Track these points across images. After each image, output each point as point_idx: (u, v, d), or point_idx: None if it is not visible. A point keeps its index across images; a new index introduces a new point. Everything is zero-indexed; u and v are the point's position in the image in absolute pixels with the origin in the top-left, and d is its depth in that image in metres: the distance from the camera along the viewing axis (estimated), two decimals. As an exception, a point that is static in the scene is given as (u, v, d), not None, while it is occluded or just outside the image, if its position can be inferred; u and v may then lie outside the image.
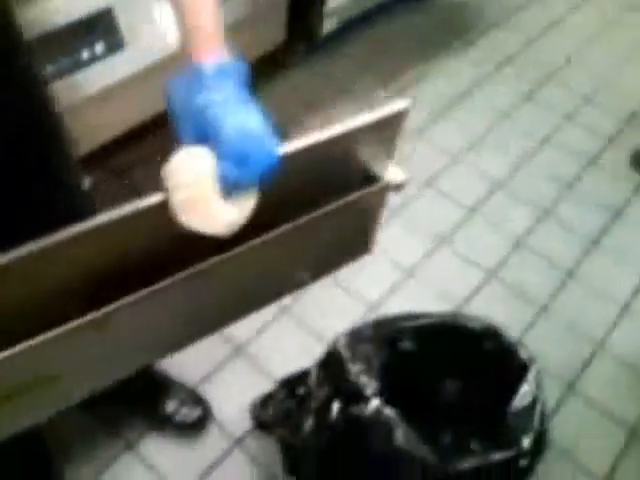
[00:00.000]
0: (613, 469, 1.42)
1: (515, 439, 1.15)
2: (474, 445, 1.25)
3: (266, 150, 0.62)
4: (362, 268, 1.49)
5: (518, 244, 1.86)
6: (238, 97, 0.63)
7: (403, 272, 1.76)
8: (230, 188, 0.62)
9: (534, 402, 1.21)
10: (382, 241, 1.56)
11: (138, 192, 0.62)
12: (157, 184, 0.64)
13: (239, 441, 1.39)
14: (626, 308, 1.73)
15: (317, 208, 0.78)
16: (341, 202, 0.80)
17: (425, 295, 1.71)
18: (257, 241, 0.74)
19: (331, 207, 0.80)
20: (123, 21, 1.46)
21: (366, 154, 0.82)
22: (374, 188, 0.84)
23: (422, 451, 1.07)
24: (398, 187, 0.84)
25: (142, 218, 0.65)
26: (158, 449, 1.35)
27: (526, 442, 1.14)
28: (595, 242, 1.88)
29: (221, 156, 0.61)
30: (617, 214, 1.97)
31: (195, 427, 1.38)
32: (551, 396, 1.49)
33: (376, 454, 1.11)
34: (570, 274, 1.79)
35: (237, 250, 0.73)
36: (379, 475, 1.13)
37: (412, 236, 1.85)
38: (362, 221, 0.93)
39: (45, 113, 0.90)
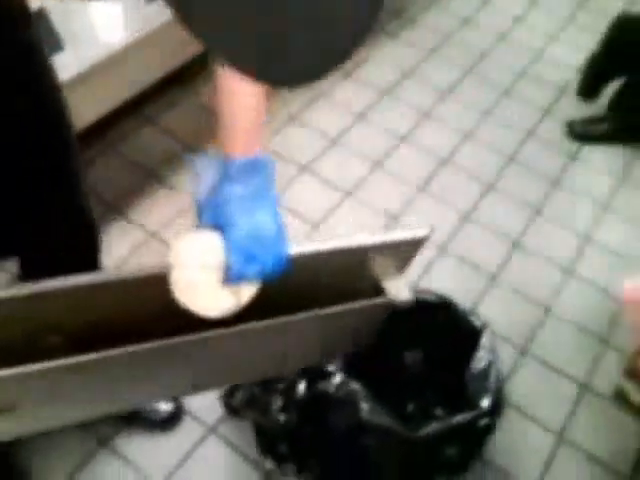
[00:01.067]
0: (566, 422, 1.54)
1: (474, 401, 1.24)
2: (437, 411, 1.35)
3: (273, 254, 0.67)
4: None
5: (465, 218, 1.95)
6: (258, 194, 0.68)
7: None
8: (233, 280, 0.67)
9: (489, 365, 1.30)
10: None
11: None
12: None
13: (213, 429, 1.44)
14: (569, 271, 1.85)
15: (319, 305, 0.83)
16: (345, 307, 0.86)
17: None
18: (256, 325, 0.78)
19: (335, 310, 0.85)
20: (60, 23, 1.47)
21: (377, 267, 0.87)
22: (379, 300, 0.89)
23: (387, 421, 1.15)
24: (401, 302, 0.89)
25: (139, 283, 0.69)
26: (132, 443, 1.39)
27: (485, 403, 1.24)
28: (538, 211, 2.00)
29: (230, 249, 0.66)
30: (556, 182, 2.09)
31: (167, 423, 1.41)
32: (506, 360, 1.60)
33: (344, 427, 1.19)
34: (516, 244, 1.91)
35: (232, 330, 0.76)
36: (349, 447, 1.21)
37: (365, 213, 1.92)
38: (359, 324, 0.98)
39: (61, 120, 0.94)
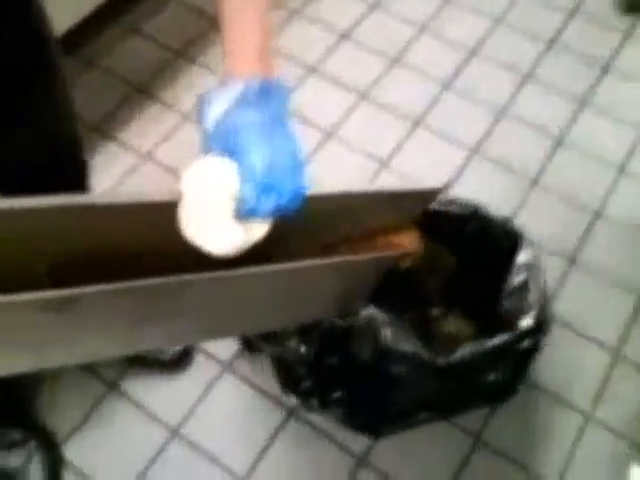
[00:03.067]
0: (623, 337, 1.44)
1: (513, 321, 1.14)
2: (470, 334, 1.24)
3: (292, 186, 0.63)
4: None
5: (500, 114, 1.79)
6: (276, 121, 0.65)
7: (380, 163, 1.70)
8: (245, 213, 0.64)
9: (529, 279, 1.19)
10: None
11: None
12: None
13: (229, 366, 1.38)
14: (621, 170, 1.69)
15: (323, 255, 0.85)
16: (364, 257, 0.90)
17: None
18: (267, 269, 0.76)
19: (354, 259, 0.89)
20: None
21: (389, 217, 0.92)
22: (392, 253, 0.95)
23: (413, 347, 1.06)
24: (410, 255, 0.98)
25: (143, 211, 0.65)
26: (142, 386, 1.35)
27: (525, 322, 1.13)
28: (584, 102, 1.82)
29: (244, 179, 0.62)
30: (605, 67, 1.90)
31: (177, 364, 1.36)
32: (553, 272, 1.49)
33: (367, 357, 1.10)
34: (559, 141, 1.75)
35: (239, 272, 0.72)
36: (374, 378, 1.13)
37: (385, 119, 1.77)
38: (375, 275, 1.02)
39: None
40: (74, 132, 1.09)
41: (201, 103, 0.66)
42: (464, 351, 1.07)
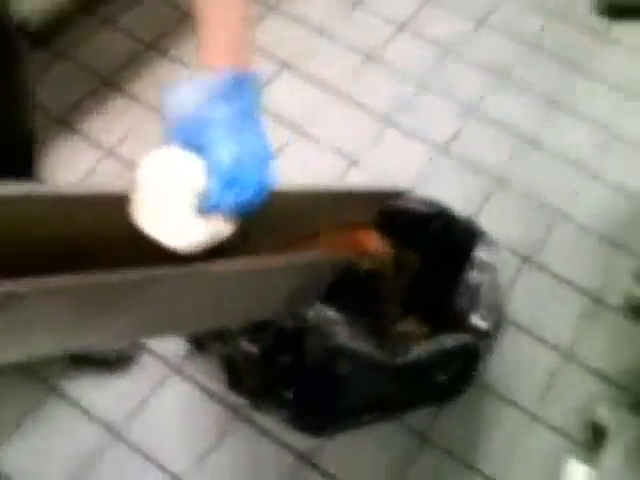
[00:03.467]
0: (573, 339, 1.45)
1: (468, 321, 1.14)
2: (424, 334, 1.24)
3: (255, 182, 0.63)
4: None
5: (469, 112, 1.79)
6: (246, 116, 0.64)
7: (350, 161, 1.70)
8: (209, 208, 0.62)
9: (486, 279, 1.19)
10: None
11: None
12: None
13: (175, 366, 1.37)
14: (588, 172, 1.70)
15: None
16: (324, 259, 0.90)
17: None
18: (226, 266, 0.74)
19: (313, 259, 0.89)
20: None
21: (354, 216, 0.93)
22: (352, 253, 0.97)
23: (366, 347, 1.06)
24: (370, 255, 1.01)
25: (95, 202, 0.64)
26: (84, 387, 1.32)
27: (480, 322, 1.15)
28: (554, 102, 1.83)
29: (209, 173, 0.61)
30: (578, 68, 1.91)
31: (120, 364, 1.33)
32: (509, 272, 1.50)
33: (319, 357, 1.10)
34: (527, 140, 1.76)
35: (192, 269, 0.70)
36: (325, 377, 1.12)
37: (357, 116, 1.77)
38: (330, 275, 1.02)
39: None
40: (27, 123, 1.08)
41: (168, 94, 0.64)
42: (415, 351, 1.07)
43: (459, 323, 1.14)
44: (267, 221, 0.71)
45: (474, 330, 1.12)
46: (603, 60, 1.93)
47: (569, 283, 1.52)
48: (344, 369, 1.09)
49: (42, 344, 0.76)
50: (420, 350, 1.09)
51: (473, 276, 1.18)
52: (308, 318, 1.08)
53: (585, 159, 1.72)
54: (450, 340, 1.10)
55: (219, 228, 0.66)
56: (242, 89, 0.64)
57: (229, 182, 0.61)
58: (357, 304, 1.19)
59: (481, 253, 1.20)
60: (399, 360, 1.07)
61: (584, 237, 1.59)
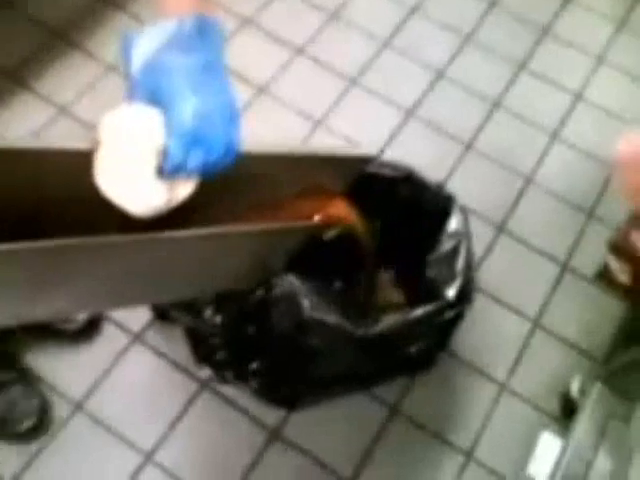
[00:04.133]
0: (543, 307, 1.44)
1: (439, 290, 1.12)
2: (394, 303, 1.22)
3: (222, 142, 0.57)
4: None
5: (437, 76, 1.75)
6: (209, 67, 0.58)
7: (314, 123, 1.64)
8: (170, 170, 0.57)
9: (458, 246, 1.17)
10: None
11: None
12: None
13: (138, 336, 1.32)
14: (555, 135, 1.68)
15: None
16: (289, 226, 0.86)
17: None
18: (184, 234, 0.69)
19: (278, 226, 0.85)
20: None
21: (320, 182, 0.88)
22: (318, 222, 0.92)
23: (333, 318, 1.02)
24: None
25: (48, 158, 0.58)
26: (44, 358, 1.26)
27: (451, 292, 1.11)
28: (522, 66, 1.80)
29: (170, 132, 0.56)
30: (544, 31, 1.88)
31: (82, 335, 1.28)
32: (481, 239, 1.47)
33: (286, 328, 1.06)
34: (495, 104, 1.72)
35: (149, 236, 0.66)
36: (293, 349, 1.09)
37: (321, 76, 1.71)
38: (296, 244, 0.97)
39: None
40: None
41: (127, 43, 0.58)
42: (386, 322, 1.04)
43: (431, 293, 1.12)
44: (229, 184, 0.67)
45: (446, 300, 1.10)
46: (573, 23, 1.90)
47: (539, 251, 1.51)
48: (310, 340, 1.05)
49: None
50: (390, 321, 1.06)
51: (445, 244, 1.16)
52: (273, 288, 1.04)
53: (555, 125, 1.70)
54: (420, 311, 1.08)
55: (181, 192, 0.61)
56: (205, 37, 0.58)
57: (191, 142, 0.55)
58: (324, 273, 1.16)
59: (453, 220, 1.18)
60: (367, 331, 1.03)
61: (554, 204, 1.57)
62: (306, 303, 1.02)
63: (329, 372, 1.13)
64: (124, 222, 0.62)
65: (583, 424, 1.13)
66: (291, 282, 1.03)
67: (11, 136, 1.46)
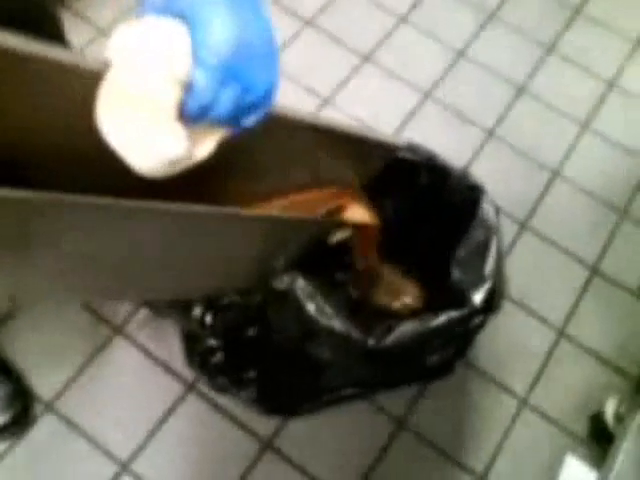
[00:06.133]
0: (570, 315, 1.27)
1: (464, 294, 0.95)
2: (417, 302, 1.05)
3: (261, 79, 0.45)
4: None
5: (458, 56, 1.58)
6: None
7: (322, 100, 1.46)
8: (194, 111, 0.43)
9: (486, 245, 1.00)
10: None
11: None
12: None
13: (120, 329, 1.14)
14: (585, 125, 1.52)
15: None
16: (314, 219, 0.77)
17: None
18: (194, 209, 0.55)
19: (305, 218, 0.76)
20: None
21: (343, 169, 0.78)
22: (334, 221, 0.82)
23: (342, 326, 0.85)
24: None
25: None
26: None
27: (478, 296, 0.94)
28: (549, 48, 1.62)
29: (199, 59, 0.42)
30: (575, 11, 1.70)
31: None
32: (504, 237, 1.30)
33: (287, 333, 0.89)
34: (520, 89, 1.55)
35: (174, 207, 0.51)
36: (295, 357, 0.92)
37: (331, 50, 1.53)
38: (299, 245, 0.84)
39: None
40: None
41: None
42: (400, 331, 0.87)
43: (455, 296, 0.95)
44: (249, 153, 0.54)
45: (473, 306, 0.93)
46: (608, 3, 1.72)
47: (565, 252, 1.34)
48: (315, 349, 0.88)
49: None
50: (406, 329, 0.89)
51: (473, 240, 0.99)
52: (275, 288, 0.87)
53: (585, 114, 1.52)
54: (443, 319, 0.91)
55: (200, 148, 0.46)
56: None
57: (225, 74, 0.42)
58: (331, 273, 0.99)
59: (482, 212, 1.01)
60: (379, 342, 0.87)
61: (584, 201, 1.40)
62: (311, 307, 0.84)
63: (334, 383, 0.96)
64: (123, 181, 0.46)
65: (622, 459, 0.95)
66: (294, 281, 0.85)
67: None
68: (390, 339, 0.86)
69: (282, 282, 0.85)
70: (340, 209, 0.89)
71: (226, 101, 0.43)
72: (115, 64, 0.42)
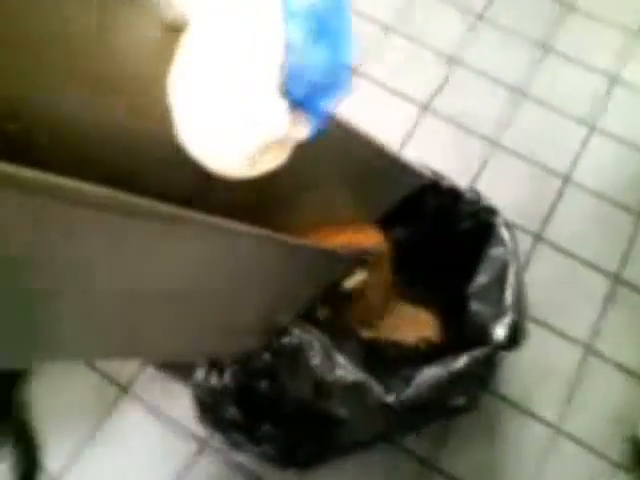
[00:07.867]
0: (596, 330, 1.18)
1: (484, 329, 0.87)
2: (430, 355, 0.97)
3: (346, 39, 0.47)
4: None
5: (450, 61, 1.49)
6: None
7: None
8: (293, 73, 0.44)
9: (505, 272, 0.91)
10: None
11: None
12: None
13: (126, 388, 1.06)
14: (592, 125, 1.42)
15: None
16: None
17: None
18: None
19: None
20: None
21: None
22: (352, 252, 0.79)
23: (354, 379, 0.77)
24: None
25: None
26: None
27: (500, 332, 0.86)
28: (546, 47, 1.53)
29: (290, 14, 0.42)
30: (571, 7, 1.60)
31: None
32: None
33: (302, 388, 0.81)
34: (517, 91, 1.46)
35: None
36: (310, 412, 0.84)
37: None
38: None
39: None
40: None
41: None
42: (421, 380, 0.78)
43: (474, 330, 0.87)
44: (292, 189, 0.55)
45: (495, 342, 0.85)
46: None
47: (584, 262, 1.25)
48: (330, 406, 0.80)
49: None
50: (426, 377, 0.80)
51: (489, 268, 0.91)
52: (289, 339, 0.78)
53: (591, 113, 1.43)
54: (464, 359, 0.82)
55: (280, 151, 0.42)
56: None
57: (316, 26, 0.43)
58: (343, 321, 0.90)
59: (497, 238, 0.93)
60: (399, 395, 0.78)
61: (598, 206, 1.31)
62: (323, 363, 0.75)
63: (352, 437, 0.88)
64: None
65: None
66: (302, 333, 0.77)
67: None
68: (410, 391, 0.78)
69: (293, 337, 0.77)
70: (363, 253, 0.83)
71: (319, 61, 0.44)
72: (195, 24, 0.34)
